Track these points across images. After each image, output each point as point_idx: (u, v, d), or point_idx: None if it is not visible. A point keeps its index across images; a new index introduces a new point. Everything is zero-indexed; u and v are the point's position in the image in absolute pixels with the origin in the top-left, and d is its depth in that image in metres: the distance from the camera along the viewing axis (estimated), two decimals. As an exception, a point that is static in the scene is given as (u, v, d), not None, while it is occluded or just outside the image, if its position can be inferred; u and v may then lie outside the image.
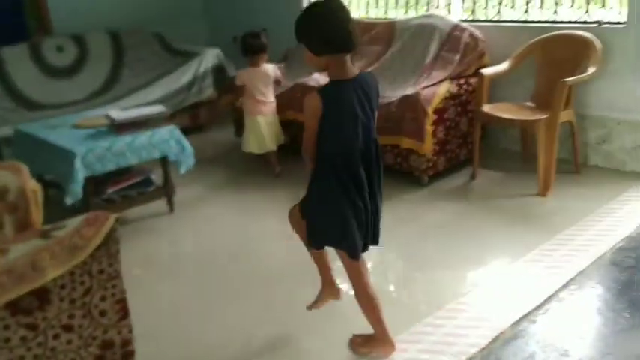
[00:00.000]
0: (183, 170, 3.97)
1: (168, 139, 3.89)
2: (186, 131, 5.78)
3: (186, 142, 3.94)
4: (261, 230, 3.83)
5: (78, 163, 3.57)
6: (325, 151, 2.27)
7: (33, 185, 2.74)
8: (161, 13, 6.87)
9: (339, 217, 2.30)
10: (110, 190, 3.88)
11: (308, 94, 2.22)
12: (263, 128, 4.64)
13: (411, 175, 4.27)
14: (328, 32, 2.15)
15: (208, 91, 5.85)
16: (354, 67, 2.25)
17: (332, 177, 2.27)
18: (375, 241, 2.45)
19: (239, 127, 5.16)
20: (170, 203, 4.10)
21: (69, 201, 3.59)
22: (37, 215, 2.76)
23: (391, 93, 4.35)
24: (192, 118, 5.86)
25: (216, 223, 3.98)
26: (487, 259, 3.29)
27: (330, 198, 2.30)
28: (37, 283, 1.85)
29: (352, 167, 2.26)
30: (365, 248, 2.41)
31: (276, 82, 4.72)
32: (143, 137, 3.79)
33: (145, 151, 3.81)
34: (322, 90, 2.21)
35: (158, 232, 3.88)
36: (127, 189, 3.96)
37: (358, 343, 2.55)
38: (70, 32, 5.95)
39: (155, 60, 6.10)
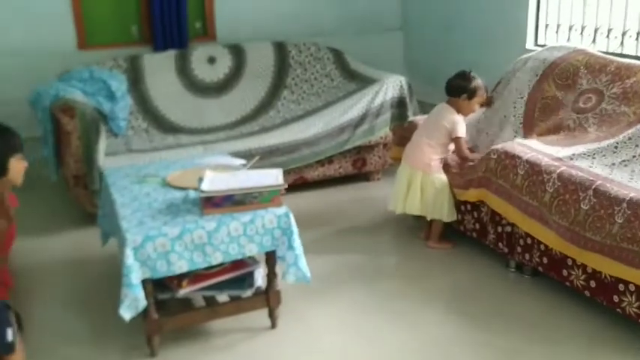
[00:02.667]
0: (290, 279, 2.62)
1: (273, 228, 2.57)
2: (347, 179, 4.59)
3: (297, 242, 2.58)
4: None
5: (129, 257, 2.38)
6: None
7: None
8: (347, 23, 5.63)
9: None
10: (187, 289, 2.64)
11: None
12: (402, 179, 3.51)
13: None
14: None
15: (382, 132, 4.43)
16: None
17: None
18: None
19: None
20: (272, 316, 2.78)
21: (125, 315, 2.42)
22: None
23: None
24: (356, 163, 4.49)
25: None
26: None
27: None
28: None
29: None
30: None
31: (455, 141, 3.44)
32: (234, 224, 2.51)
33: (235, 244, 2.52)
34: None
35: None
36: (213, 288, 2.71)
37: None
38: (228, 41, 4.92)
39: (324, 83, 4.84)
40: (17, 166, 2.36)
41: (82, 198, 3.86)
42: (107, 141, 4.14)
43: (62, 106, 3.77)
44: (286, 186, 2.61)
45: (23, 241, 3.40)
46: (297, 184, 4.33)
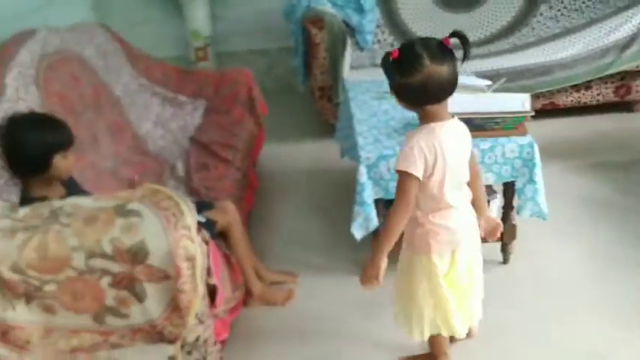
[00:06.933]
0: (525, 214, 2.43)
1: (514, 158, 2.37)
2: (604, 108, 4.09)
3: (539, 175, 2.36)
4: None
5: (363, 174, 2.37)
6: None
7: (191, 249, 1.67)
8: None
9: None
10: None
11: None
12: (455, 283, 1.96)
13: None
14: None
15: (654, 56, 3.86)
16: None
17: None
18: None
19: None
20: (505, 251, 2.63)
21: (356, 234, 2.44)
22: (193, 298, 1.71)
23: None
24: (618, 91, 3.98)
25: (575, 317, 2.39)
26: None
27: None
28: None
29: None
30: None
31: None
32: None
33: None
34: None
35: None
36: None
37: None
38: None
39: (591, -3, 4.30)
40: (62, 163, 2.09)
41: (325, 110, 3.96)
42: (353, 54, 4.16)
43: (312, 18, 3.83)
44: (533, 113, 2.37)
45: (269, 147, 3.61)
46: (545, 110, 3.99)
